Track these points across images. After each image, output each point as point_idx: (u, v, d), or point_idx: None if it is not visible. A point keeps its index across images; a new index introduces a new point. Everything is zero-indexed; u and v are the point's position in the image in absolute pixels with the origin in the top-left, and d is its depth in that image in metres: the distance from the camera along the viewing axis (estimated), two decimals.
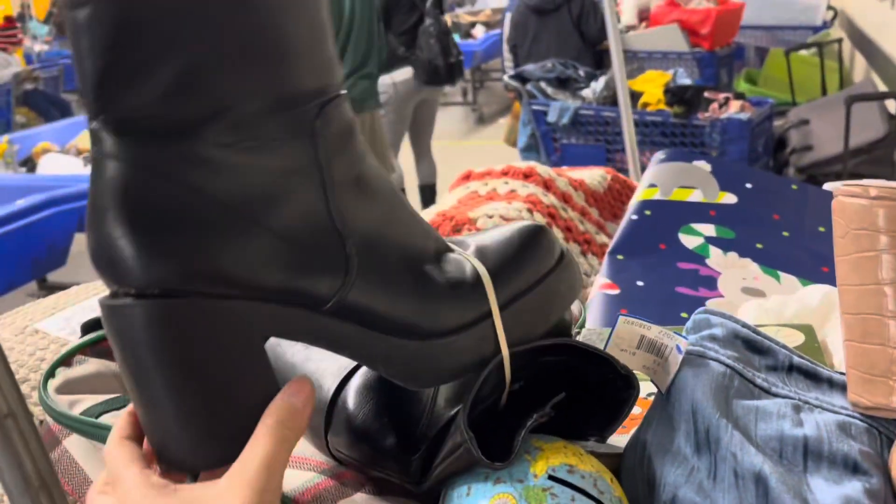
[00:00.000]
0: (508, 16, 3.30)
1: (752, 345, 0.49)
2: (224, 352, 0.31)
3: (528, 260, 0.41)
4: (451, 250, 0.40)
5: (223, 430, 0.32)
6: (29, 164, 2.84)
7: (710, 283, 0.86)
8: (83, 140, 2.97)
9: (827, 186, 1.11)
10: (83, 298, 0.68)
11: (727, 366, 0.46)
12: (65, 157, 2.74)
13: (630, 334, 0.49)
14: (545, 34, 3.00)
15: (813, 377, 0.47)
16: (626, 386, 0.43)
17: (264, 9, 0.30)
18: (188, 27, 0.29)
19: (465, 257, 0.39)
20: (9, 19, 5.44)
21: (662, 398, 0.47)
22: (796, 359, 0.48)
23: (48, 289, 2.73)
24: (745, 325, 0.50)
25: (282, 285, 0.32)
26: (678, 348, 0.48)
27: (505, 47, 3.34)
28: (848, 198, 0.47)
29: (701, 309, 0.51)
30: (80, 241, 2.57)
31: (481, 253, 0.40)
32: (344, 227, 0.34)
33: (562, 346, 0.42)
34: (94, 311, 0.63)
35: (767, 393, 0.46)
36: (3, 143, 2.79)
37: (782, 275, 0.87)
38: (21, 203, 2.16)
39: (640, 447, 0.46)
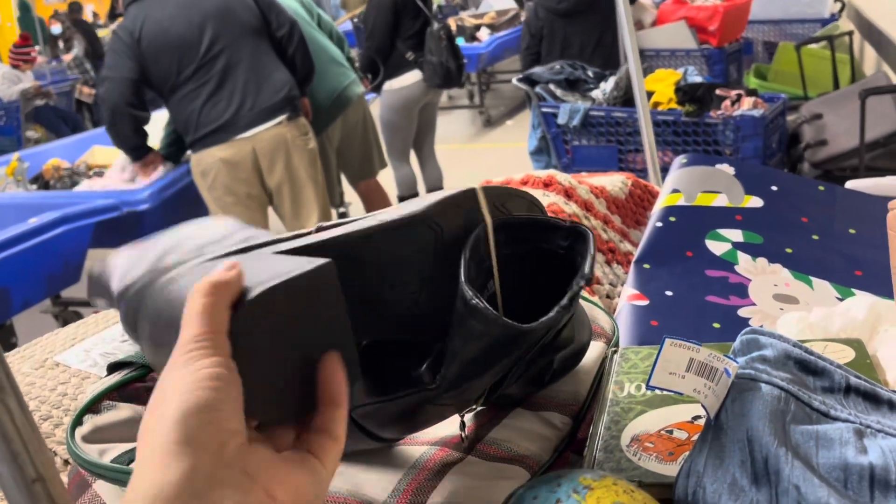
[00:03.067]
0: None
1: (805, 365, 0.47)
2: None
3: None
4: None
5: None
6: (39, 181, 2.84)
7: (741, 290, 0.84)
8: (92, 156, 2.96)
9: (850, 185, 1.09)
10: (102, 328, 0.67)
11: (782, 388, 0.44)
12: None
13: (678, 357, 0.47)
14: (576, 37, 2.92)
15: (872, 399, 0.45)
16: (581, 242, 0.48)
17: None
18: None
19: None
20: (24, 37, 5.47)
21: (714, 425, 0.45)
22: (853, 379, 0.46)
23: (62, 304, 2.73)
24: (796, 345, 0.48)
25: None
26: (727, 371, 0.46)
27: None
28: None
29: (748, 329, 0.49)
30: (93, 258, 2.56)
31: None
32: None
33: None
34: (114, 342, 0.62)
35: (826, 416, 0.44)
36: (13, 160, 2.79)
37: (814, 280, 0.85)
38: (34, 222, 2.15)
39: (694, 478, 0.44)
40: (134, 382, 0.51)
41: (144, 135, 2.38)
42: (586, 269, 0.45)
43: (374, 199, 2.87)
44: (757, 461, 0.41)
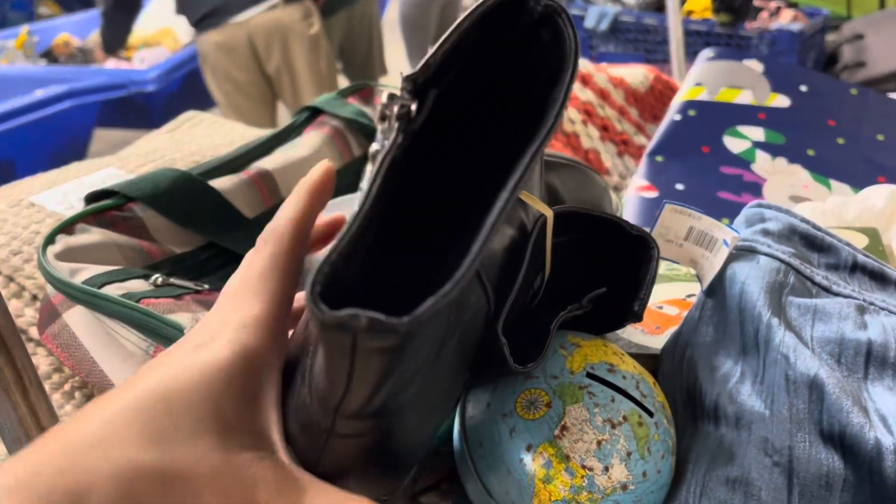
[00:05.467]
0: None
1: (810, 241, 0.44)
2: None
3: None
4: None
5: None
6: (49, 56, 2.78)
7: (755, 189, 0.80)
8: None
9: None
10: (83, 174, 0.64)
11: (782, 261, 0.41)
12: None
13: (677, 224, 0.44)
14: None
15: (879, 278, 0.42)
16: (644, 250, 0.37)
17: None
18: None
19: None
20: None
21: (706, 296, 0.42)
22: (861, 257, 0.43)
23: None
24: (803, 220, 0.44)
25: None
26: (725, 242, 0.43)
27: None
28: None
29: (753, 202, 0.46)
30: (99, 138, 2.53)
31: None
32: None
33: (572, 216, 0.36)
34: (93, 187, 0.59)
35: (828, 292, 0.41)
36: (22, 34, 2.72)
37: (834, 183, 0.81)
38: (40, 94, 2.11)
39: (680, 350, 0.41)
40: (111, 210, 0.49)
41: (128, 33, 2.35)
42: (636, 306, 0.36)
43: None
44: (747, 333, 0.39)
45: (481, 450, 0.35)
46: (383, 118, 0.25)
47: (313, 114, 0.66)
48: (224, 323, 0.25)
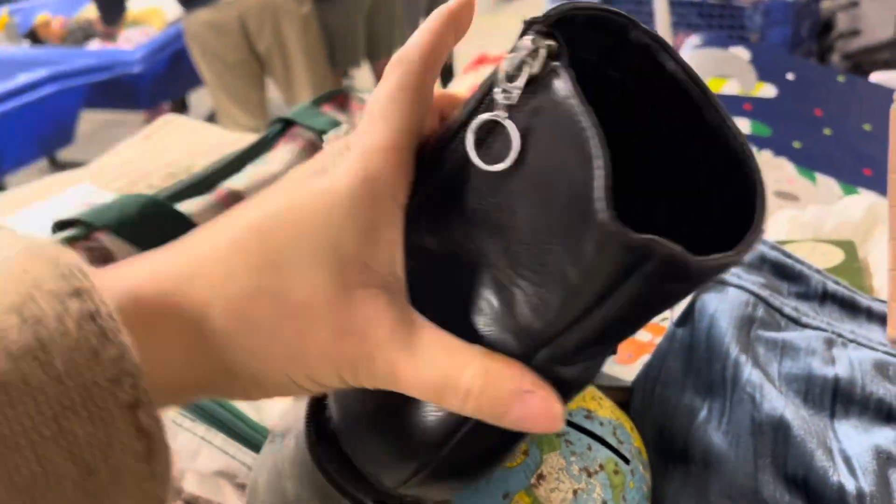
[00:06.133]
0: None
1: (780, 269, 0.43)
2: None
3: None
4: None
5: None
6: (32, 36, 2.74)
7: None
8: (91, 11, 2.83)
9: (874, 77, 1.01)
10: (56, 189, 0.63)
11: (751, 293, 0.41)
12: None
13: None
14: None
15: (850, 307, 0.42)
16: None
17: None
18: None
19: None
20: None
21: (676, 327, 0.42)
22: (831, 285, 0.42)
23: (59, 166, 2.71)
24: (773, 247, 0.44)
25: None
26: None
27: None
28: None
29: None
30: (86, 119, 2.51)
31: None
32: None
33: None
34: (64, 208, 0.58)
35: (797, 323, 0.41)
36: (3, 15, 2.67)
37: (819, 176, 0.80)
38: (24, 78, 2.08)
39: (650, 384, 0.41)
40: (77, 241, 0.48)
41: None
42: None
43: None
44: (715, 370, 0.39)
45: (458, 497, 0.35)
46: (514, 71, 0.21)
47: (286, 125, 0.65)
48: (346, 148, 0.23)
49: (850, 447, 0.35)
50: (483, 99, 0.22)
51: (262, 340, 0.22)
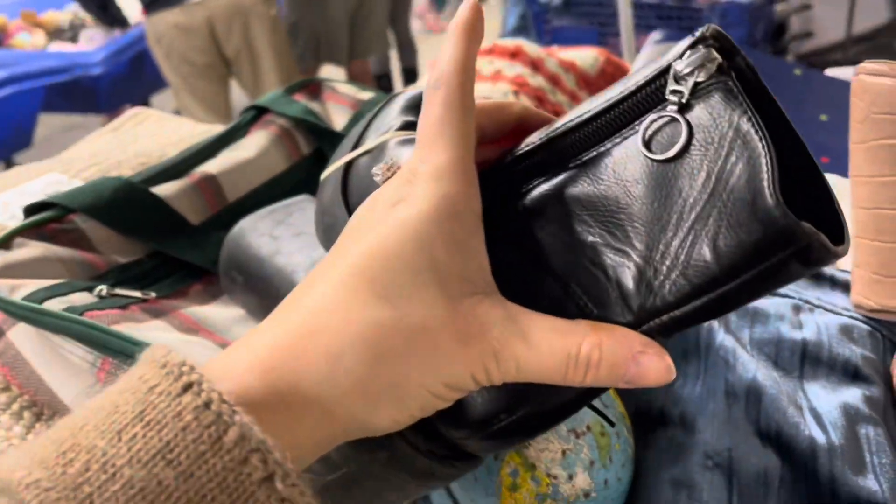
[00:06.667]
0: None
1: None
2: None
3: None
4: None
5: None
6: None
7: None
8: (51, 17, 2.78)
9: (829, 71, 1.05)
10: (24, 180, 0.62)
11: None
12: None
13: None
14: None
15: (814, 276, 0.43)
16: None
17: None
18: None
19: None
20: None
21: None
22: None
23: None
24: None
25: None
26: None
27: None
28: (872, 77, 0.42)
29: None
30: (44, 123, 2.45)
31: None
32: None
33: None
34: (34, 196, 0.58)
35: None
36: None
37: None
38: None
39: None
40: (51, 223, 0.48)
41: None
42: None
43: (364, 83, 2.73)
44: (688, 335, 0.40)
45: None
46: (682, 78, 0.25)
47: (259, 113, 0.65)
48: (414, 175, 0.25)
49: (820, 405, 0.37)
50: (638, 95, 0.25)
51: (398, 364, 0.23)
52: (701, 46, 0.25)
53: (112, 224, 0.50)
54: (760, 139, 0.22)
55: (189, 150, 0.58)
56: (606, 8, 2.29)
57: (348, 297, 0.23)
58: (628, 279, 0.24)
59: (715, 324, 0.39)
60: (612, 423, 0.36)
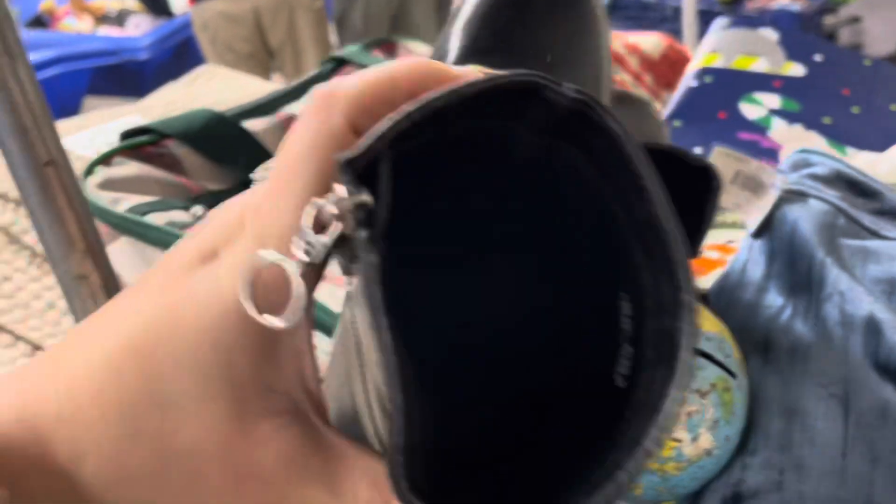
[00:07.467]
0: None
1: (857, 187, 0.44)
2: None
3: None
4: None
5: None
6: (38, 23, 2.72)
7: (772, 155, 0.80)
8: (98, 3, 2.83)
9: None
10: (116, 118, 0.63)
11: (832, 204, 0.42)
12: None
13: (724, 167, 0.44)
14: None
15: None
16: (706, 182, 0.32)
17: None
18: None
19: None
20: None
21: (753, 238, 0.43)
22: None
23: None
24: (848, 166, 0.45)
25: None
26: (774, 186, 0.43)
27: None
28: None
29: (799, 149, 0.46)
30: (88, 107, 2.49)
31: None
32: None
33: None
34: (117, 132, 0.58)
35: (876, 235, 0.41)
36: None
37: (850, 150, 0.81)
38: (30, 59, 2.07)
39: (728, 291, 0.42)
40: (147, 146, 0.48)
41: None
42: (697, 241, 0.24)
43: None
44: (799, 269, 0.39)
45: None
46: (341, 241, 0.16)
47: (339, 64, 0.66)
48: (240, 224, 0.18)
49: None
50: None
51: (144, 491, 0.18)
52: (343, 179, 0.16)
53: (203, 151, 0.50)
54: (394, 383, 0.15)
55: (276, 93, 0.59)
56: (653, 12, 2.29)
57: (109, 387, 0.17)
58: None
59: (828, 259, 0.38)
60: (733, 375, 0.35)
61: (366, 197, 0.15)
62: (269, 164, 0.22)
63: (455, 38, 0.33)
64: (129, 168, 0.46)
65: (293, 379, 0.18)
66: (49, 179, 0.27)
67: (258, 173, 0.21)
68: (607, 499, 0.15)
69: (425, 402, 0.17)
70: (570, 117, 0.17)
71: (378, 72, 0.18)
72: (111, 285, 0.28)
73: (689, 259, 0.18)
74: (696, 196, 0.36)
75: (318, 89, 0.19)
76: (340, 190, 0.16)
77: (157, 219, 0.43)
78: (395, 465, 0.14)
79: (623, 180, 0.17)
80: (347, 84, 0.18)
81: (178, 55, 2.56)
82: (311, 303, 0.18)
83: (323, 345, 0.41)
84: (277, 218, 0.17)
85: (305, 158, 0.18)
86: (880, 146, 0.82)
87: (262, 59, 2.28)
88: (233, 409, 0.17)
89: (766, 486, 0.34)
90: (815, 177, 0.43)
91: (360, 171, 0.15)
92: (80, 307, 0.28)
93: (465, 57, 0.32)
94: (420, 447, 0.15)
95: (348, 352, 0.21)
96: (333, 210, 0.15)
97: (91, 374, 0.18)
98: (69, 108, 2.31)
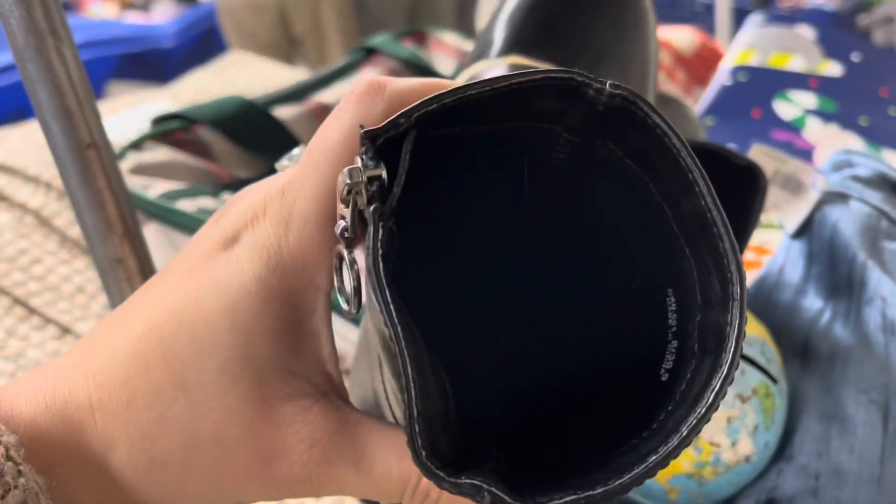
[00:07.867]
0: None
1: None
2: None
3: None
4: None
5: None
6: (69, 9, 2.75)
7: (806, 155, 0.78)
8: None
9: None
10: (144, 103, 0.63)
11: (874, 207, 0.40)
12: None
13: (764, 166, 0.43)
14: None
15: None
16: (751, 181, 0.32)
17: None
18: None
19: None
20: None
21: (791, 239, 0.42)
22: None
23: None
24: (892, 168, 0.44)
25: None
26: (814, 186, 0.42)
27: None
28: None
29: (842, 149, 0.45)
30: (112, 93, 2.51)
31: None
32: None
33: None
34: (147, 116, 0.58)
35: None
36: None
37: (886, 152, 0.80)
38: None
39: (765, 292, 0.41)
40: (177, 132, 0.48)
41: None
42: (743, 242, 0.26)
43: None
44: (839, 271, 0.38)
45: None
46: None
47: (368, 53, 0.65)
48: (271, 200, 0.18)
49: None
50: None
51: (172, 476, 0.18)
52: (359, 155, 0.16)
53: (233, 138, 0.50)
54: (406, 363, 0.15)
55: (305, 81, 0.58)
56: (678, 10, 2.26)
57: (136, 373, 0.18)
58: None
59: (870, 262, 0.37)
60: (775, 381, 0.34)
61: (379, 170, 0.16)
62: (293, 152, 0.22)
63: (499, 30, 0.32)
64: (159, 153, 0.46)
65: (312, 362, 0.18)
66: (90, 162, 0.27)
67: (282, 162, 0.21)
68: (637, 480, 0.15)
69: (458, 378, 0.18)
70: (610, 113, 0.17)
71: (432, 80, 0.19)
72: (147, 269, 0.28)
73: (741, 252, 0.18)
74: (741, 195, 0.35)
75: (364, 78, 0.19)
76: (358, 163, 0.16)
77: (187, 205, 0.43)
78: (412, 433, 0.15)
79: (669, 175, 0.17)
80: (397, 80, 0.19)
81: (203, 43, 2.57)
82: (331, 285, 0.19)
83: (352, 335, 0.40)
84: (304, 197, 0.18)
85: (341, 143, 0.18)
86: None
87: (283, 49, 2.28)
88: (254, 393, 0.18)
89: (802, 492, 0.33)
90: (857, 178, 0.42)
91: (380, 145, 0.16)
92: (117, 291, 0.28)
93: (510, 49, 0.31)
94: (442, 419, 0.16)
95: (370, 347, 0.21)
96: (347, 180, 0.16)
97: (118, 362, 0.18)
98: (95, 94, 2.33)
